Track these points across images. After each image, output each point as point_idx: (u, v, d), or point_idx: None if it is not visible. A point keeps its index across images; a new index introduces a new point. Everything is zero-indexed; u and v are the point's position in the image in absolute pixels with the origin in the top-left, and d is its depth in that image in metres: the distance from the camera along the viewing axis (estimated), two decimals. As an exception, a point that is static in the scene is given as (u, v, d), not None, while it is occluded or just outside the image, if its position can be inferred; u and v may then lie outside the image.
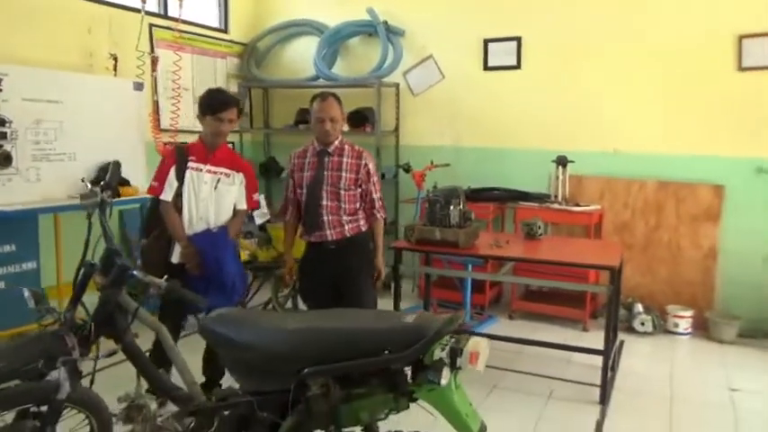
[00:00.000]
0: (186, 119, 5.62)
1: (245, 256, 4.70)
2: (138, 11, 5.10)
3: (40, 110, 4.19)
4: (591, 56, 5.21)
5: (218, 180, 3.19)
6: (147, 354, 2.41)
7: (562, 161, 5.12)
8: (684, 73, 4.92)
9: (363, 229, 3.43)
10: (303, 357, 1.85)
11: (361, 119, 5.74)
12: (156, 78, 5.34)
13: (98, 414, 2.40)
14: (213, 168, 3.19)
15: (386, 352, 1.78)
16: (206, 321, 2.10)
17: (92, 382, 2.30)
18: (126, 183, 4.49)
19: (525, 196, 5.33)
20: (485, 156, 5.66)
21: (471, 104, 5.70)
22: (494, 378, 3.87)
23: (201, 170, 3.16)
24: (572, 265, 4.13)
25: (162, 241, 3.14)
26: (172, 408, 2.27)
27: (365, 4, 5.91)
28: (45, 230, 4.40)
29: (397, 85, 5.93)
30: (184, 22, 5.59)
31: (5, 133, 3.97)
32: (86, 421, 2.42)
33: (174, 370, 2.35)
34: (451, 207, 3.91)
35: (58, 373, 2.11)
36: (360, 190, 3.37)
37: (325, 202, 3.30)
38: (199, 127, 5.59)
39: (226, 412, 2.08)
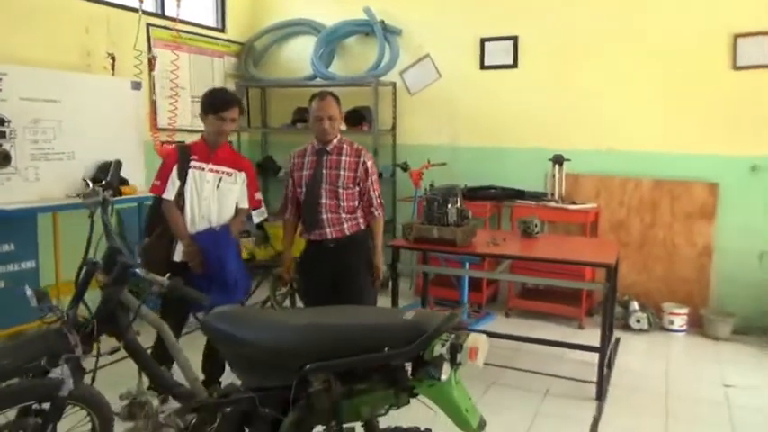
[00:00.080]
0: (184, 118, 5.63)
1: (243, 254, 4.71)
2: (135, 10, 5.10)
3: (38, 109, 4.20)
4: (587, 55, 5.24)
5: (221, 179, 3.21)
6: (149, 351, 2.42)
7: (558, 160, 5.14)
8: (680, 72, 4.95)
9: (362, 227, 3.45)
10: (305, 354, 1.86)
11: (358, 118, 5.76)
12: (153, 78, 5.35)
13: (99, 411, 2.41)
14: (215, 167, 3.21)
15: (386, 348, 1.79)
16: (208, 319, 2.11)
17: (93, 379, 2.31)
18: (124, 182, 4.50)
19: (522, 195, 5.36)
20: (481, 154, 5.68)
21: (468, 103, 5.72)
22: (491, 375, 3.90)
23: (204, 169, 3.17)
24: (568, 263, 4.16)
25: (164, 240, 3.15)
26: (174, 405, 2.28)
27: (362, 4, 5.92)
28: (44, 230, 4.41)
29: (393, 85, 5.95)
30: (182, 21, 5.60)
31: (4, 132, 3.97)
32: (88, 418, 2.43)
33: (175, 367, 2.36)
34: (449, 205, 3.93)
35: (62, 371, 2.12)
36: (358, 188, 3.39)
37: (323, 201, 3.32)
38: (196, 126, 5.71)
39: (228, 408, 2.08)
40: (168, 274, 2.27)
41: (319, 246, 3.37)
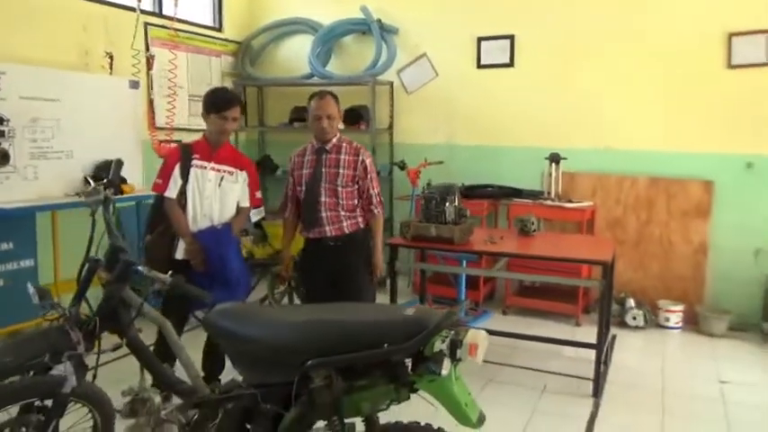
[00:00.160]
0: (181, 117, 5.64)
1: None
2: (133, 9, 5.12)
3: (37, 108, 4.21)
4: (583, 54, 5.27)
5: (222, 178, 3.22)
6: (151, 348, 2.44)
7: (555, 158, 5.17)
8: (675, 71, 4.98)
9: (362, 226, 3.47)
10: (306, 350, 1.86)
11: (355, 117, 5.77)
12: (151, 77, 5.35)
13: (101, 408, 2.43)
14: (217, 166, 3.22)
15: (386, 344, 1.80)
16: (210, 316, 2.12)
17: (94, 376, 2.32)
18: (123, 181, 4.51)
19: (519, 193, 5.38)
20: (478, 153, 5.71)
21: (465, 102, 5.75)
22: (489, 372, 3.93)
23: (206, 168, 3.19)
24: (565, 261, 4.19)
25: (165, 238, 3.17)
26: (176, 402, 2.30)
27: (359, 3, 5.94)
28: (42, 228, 4.41)
29: (391, 83, 5.97)
30: (179, 20, 5.61)
31: (3, 131, 3.98)
32: (89, 415, 2.44)
33: (177, 364, 2.38)
34: (447, 204, 3.95)
35: (64, 367, 2.13)
36: (357, 186, 3.42)
37: (323, 199, 3.35)
38: (193, 125, 5.74)
39: (229, 405, 2.09)
40: (170, 272, 2.29)
41: (318, 244, 3.40)
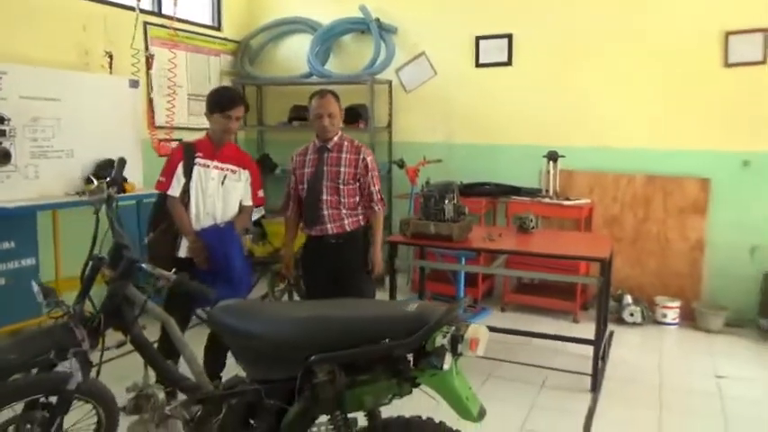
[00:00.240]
0: (181, 116, 5.65)
1: (242, 251, 4.75)
2: (132, 9, 5.12)
3: (37, 107, 4.21)
4: (581, 53, 5.29)
5: (225, 176, 3.23)
6: (155, 345, 2.46)
7: (553, 156, 5.19)
8: (672, 69, 5.01)
9: (363, 223, 3.50)
10: (310, 345, 1.88)
11: (354, 115, 5.79)
12: (151, 76, 5.36)
13: (105, 405, 2.44)
14: (220, 165, 3.23)
15: (389, 339, 1.82)
16: (213, 313, 2.14)
17: (98, 373, 2.33)
18: (123, 179, 4.52)
19: (517, 191, 5.41)
20: (477, 151, 5.73)
21: (463, 101, 5.77)
22: (488, 368, 3.96)
23: (209, 166, 3.20)
24: (563, 258, 4.22)
25: (168, 236, 3.18)
26: (180, 398, 2.31)
27: (358, 2, 5.95)
28: (43, 227, 4.42)
29: (389, 82, 5.99)
30: (178, 20, 5.61)
31: (4, 131, 3.99)
32: (94, 412, 2.46)
33: (181, 360, 2.40)
34: (446, 202, 3.97)
35: (70, 364, 2.14)
36: (359, 184, 3.44)
37: (325, 197, 3.37)
38: (193, 124, 5.75)
39: (233, 400, 2.11)
40: (174, 269, 2.31)
41: (320, 241, 3.42)
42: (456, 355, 1.80)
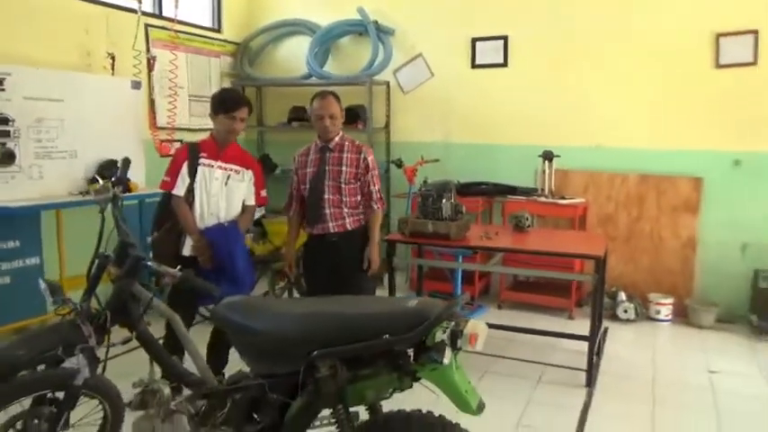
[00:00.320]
0: (182, 117, 5.66)
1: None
2: (134, 11, 5.12)
3: (41, 108, 4.21)
4: (575, 55, 5.31)
5: (229, 176, 3.25)
6: (160, 341, 2.47)
7: (548, 156, 5.21)
8: (665, 70, 5.04)
9: (364, 222, 3.52)
10: (312, 341, 1.89)
11: (352, 116, 5.79)
12: (152, 77, 5.37)
13: (111, 400, 2.45)
14: (224, 165, 3.25)
15: (390, 334, 1.84)
16: (218, 309, 2.16)
17: (104, 369, 2.35)
18: (127, 179, 4.53)
19: (513, 190, 5.42)
20: (473, 151, 5.75)
21: (460, 101, 5.78)
22: (485, 364, 3.98)
23: (213, 166, 3.21)
24: (559, 255, 4.24)
25: (172, 235, 3.20)
26: (186, 393, 2.32)
27: (356, 4, 5.97)
28: (47, 226, 4.43)
29: (387, 83, 6.00)
30: (179, 22, 5.62)
31: (8, 131, 4.00)
32: (100, 407, 2.47)
33: (186, 357, 2.41)
34: (443, 201, 3.98)
35: (77, 360, 2.16)
36: (360, 183, 3.46)
37: (327, 196, 3.39)
38: (194, 125, 5.76)
39: (237, 395, 2.13)
40: (179, 267, 2.32)
41: (322, 240, 3.44)
42: (455, 349, 1.82)
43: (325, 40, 6.14)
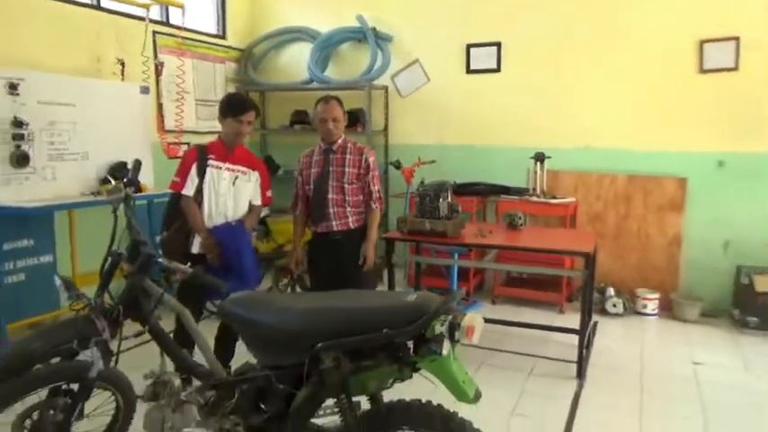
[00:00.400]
0: (189, 120, 5.67)
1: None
2: (142, 19, 5.14)
3: (54, 112, 4.22)
4: (566, 60, 5.33)
5: (236, 177, 3.26)
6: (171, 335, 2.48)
7: (540, 157, 5.22)
8: (651, 75, 5.06)
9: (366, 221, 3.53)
10: (316, 334, 1.91)
11: (352, 119, 5.78)
12: (160, 82, 5.38)
13: (123, 391, 2.47)
14: (232, 166, 3.26)
15: (391, 327, 1.85)
16: (226, 304, 2.17)
17: (116, 361, 2.36)
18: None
19: (506, 190, 5.44)
20: (468, 153, 5.76)
21: (455, 105, 5.80)
22: (480, 356, 4.00)
23: (221, 168, 3.22)
24: (550, 252, 4.25)
25: (182, 233, 3.20)
26: (196, 385, 2.33)
27: (355, 12, 5.98)
28: (60, 226, 4.44)
29: (385, 88, 6.01)
30: (185, 29, 5.62)
31: (23, 134, 3.99)
32: (113, 398, 2.48)
33: (195, 349, 2.42)
34: (440, 200, 4.00)
35: (91, 353, 2.17)
36: (361, 183, 3.48)
37: (330, 196, 3.41)
38: (201, 128, 5.77)
39: (245, 386, 2.14)
40: (189, 264, 2.34)
41: (325, 237, 3.46)
42: (453, 342, 1.83)
43: (326, 47, 6.15)
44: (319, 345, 1.90)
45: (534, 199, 5.22)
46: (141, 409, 2.42)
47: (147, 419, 2.29)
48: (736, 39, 4.77)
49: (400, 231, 4.11)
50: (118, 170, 4.48)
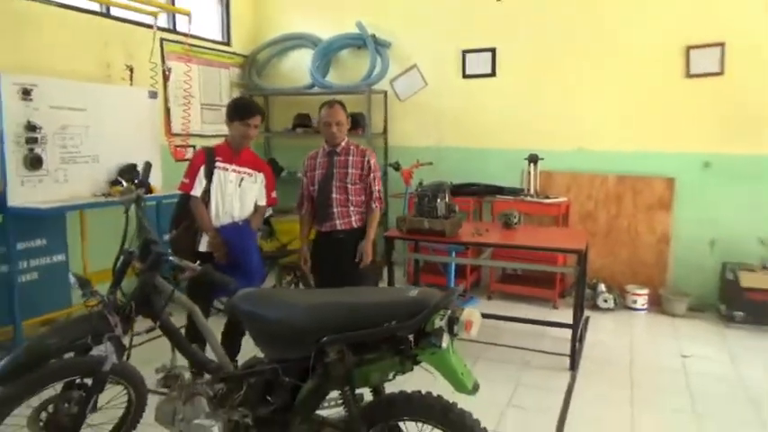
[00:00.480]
0: (195, 124, 5.67)
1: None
2: (150, 26, 5.14)
3: (66, 117, 4.21)
4: (558, 66, 5.35)
5: (243, 179, 3.26)
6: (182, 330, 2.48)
7: (533, 159, 5.24)
8: (640, 80, 5.08)
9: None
10: (321, 328, 1.92)
11: (353, 123, 5.71)
12: (168, 87, 5.38)
13: (135, 385, 2.48)
14: (238, 168, 3.26)
15: (393, 322, 1.87)
16: (234, 300, 2.18)
17: (128, 356, 2.37)
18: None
19: (501, 190, 5.45)
20: (465, 155, 5.77)
21: (452, 109, 5.81)
22: (478, 350, 4.01)
23: (228, 169, 3.23)
24: (544, 250, 4.28)
25: (190, 232, 3.20)
26: (205, 378, 2.34)
27: (355, 19, 5.98)
28: (72, 226, 4.45)
29: (384, 92, 6.02)
30: (192, 36, 5.62)
31: (36, 138, 3.99)
32: (125, 392, 2.50)
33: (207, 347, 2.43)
34: (438, 200, 4.01)
35: (105, 348, 2.18)
36: (364, 184, 3.49)
37: (334, 196, 3.43)
38: (206, 131, 5.77)
39: (252, 379, 2.15)
40: (198, 262, 2.34)
41: (329, 236, 3.47)
42: (453, 335, 1.85)
43: (327, 53, 6.16)
44: (324, 339, 1.90)
45: (528, 199, 5.23)
46: (152, 401, 2.43)
47: (158, 411, 2.30)
48: (722, 45, 4.79)
49: (399, 230, 4.12)
50: (127, 172, 4.48)
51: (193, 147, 5.47)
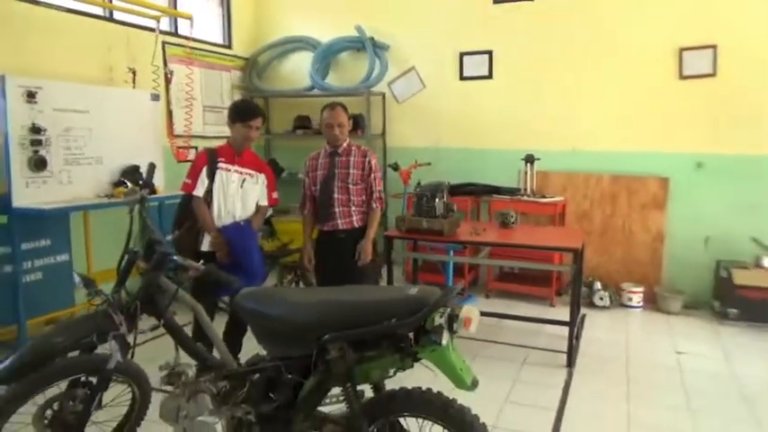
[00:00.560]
0: (197, 125, 5.67)
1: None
2: (152, 30, 5.13)
3: (69, 119, 4.20)
4: (553, 68, 5.36)
5: (244, 179, 3.26)
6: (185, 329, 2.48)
7: (530, 159, 5.25)
8: (634, 81, 5.09)
9: None
10: (323, 326, 1.93)
11: (352, 124, 5.80)
12: (170, 90, 5.38)
13: (139, 383, 2.48)
14: (240, 169, 3.26)
15: (393, 319, 1.87)
16: (238, 299, 2.18)
17: (132, 355, 2.36)
18: (150, 183, 4.54)
19: (498, 190, 5.46)
20: (462, 155, 5.78)
21: (449, 110, 5.82)
22: (476, 348, 4.02)
23: (230, 170, 3.23)
24: (540, 249, 4.28)
25: (193, 232, 3.21)
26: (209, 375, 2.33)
27: (354, 22, 5.99)
28: (76, 226, 4.44)
29: (383, 94, 6.02)
30: (193, 39, 5.62)
31: (41, 140, 3.98)
32: (129, 390, 2.49)
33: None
34: (436, 200, 4.01)
35: (110, 346, 2.17)
36: (365, 183, 3.49)
37: (336, 196, 3.43)
38: (208, 133, 5.77)
39: (255, 376, 2.16)
40: (201, 261, 2.34)
41: (331, 235, 3.47)
42: (452, 332, 1.85)
43: (327, 55, 6.16)
44: (326, 336, 1.91)
45: (525, 198, 5.24)
46: (156, 399, 2.42)
47: (162, 408, 2.29)
48: (714, 47, 4.80)
49: (399, 230, 4.12)
50: (130, 173, 4.48)
51: (195, 148, 5.47)
